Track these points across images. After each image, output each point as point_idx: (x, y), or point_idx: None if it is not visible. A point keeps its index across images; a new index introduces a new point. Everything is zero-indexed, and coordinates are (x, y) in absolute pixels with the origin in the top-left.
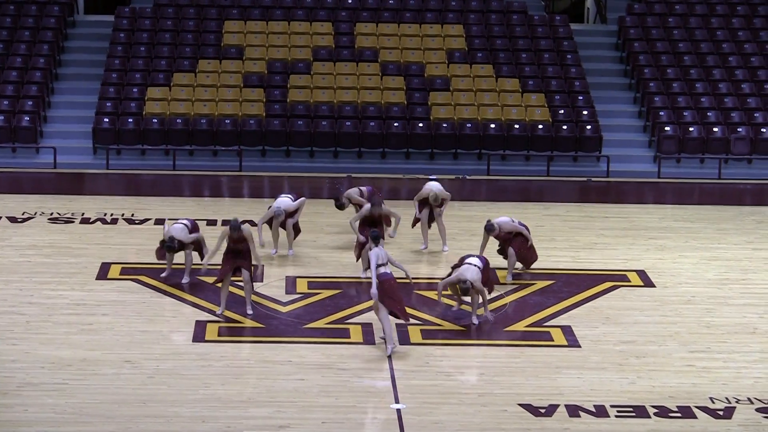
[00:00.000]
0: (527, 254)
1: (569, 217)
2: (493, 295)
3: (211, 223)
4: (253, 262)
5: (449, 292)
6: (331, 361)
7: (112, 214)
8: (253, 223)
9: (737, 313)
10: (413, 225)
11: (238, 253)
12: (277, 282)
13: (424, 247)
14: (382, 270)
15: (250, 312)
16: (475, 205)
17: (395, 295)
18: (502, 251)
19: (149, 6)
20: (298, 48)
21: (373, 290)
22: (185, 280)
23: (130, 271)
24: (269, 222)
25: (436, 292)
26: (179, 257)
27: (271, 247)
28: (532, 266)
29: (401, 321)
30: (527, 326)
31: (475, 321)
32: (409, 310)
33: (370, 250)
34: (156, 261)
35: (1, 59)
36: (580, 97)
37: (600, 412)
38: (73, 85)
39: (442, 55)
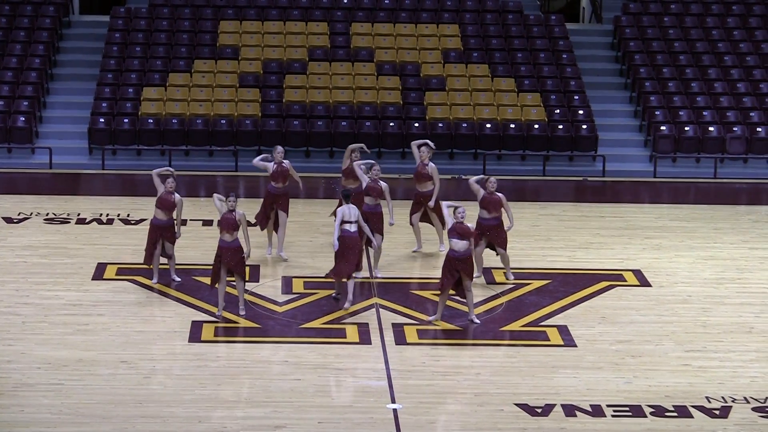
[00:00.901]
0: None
1: (565, 216)
2: (490, 294)
3: (207, 223)
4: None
5: (453, 292)
6: (327, 361)
7: (107, 215)
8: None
9: (733, 312)
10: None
11: (228, 251)
12: (273, 282)
13: (418, 248)
14: (346, 227)
15: (242, 312)
16: (472, 204)
17: (350, 253)
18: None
19: (144, 6)
20: (293, 48)
21: (334, 241)
22: (176, 279)
23: (125, 272)
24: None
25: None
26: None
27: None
28: (529, 266)
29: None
30: (523, 326)
31: (477, 321)
32: (405, 310)
33: (339, 206)
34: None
35: None
36: (576, 97)
37: (596, 411)
38: (69, 86)
39: (438, 55)
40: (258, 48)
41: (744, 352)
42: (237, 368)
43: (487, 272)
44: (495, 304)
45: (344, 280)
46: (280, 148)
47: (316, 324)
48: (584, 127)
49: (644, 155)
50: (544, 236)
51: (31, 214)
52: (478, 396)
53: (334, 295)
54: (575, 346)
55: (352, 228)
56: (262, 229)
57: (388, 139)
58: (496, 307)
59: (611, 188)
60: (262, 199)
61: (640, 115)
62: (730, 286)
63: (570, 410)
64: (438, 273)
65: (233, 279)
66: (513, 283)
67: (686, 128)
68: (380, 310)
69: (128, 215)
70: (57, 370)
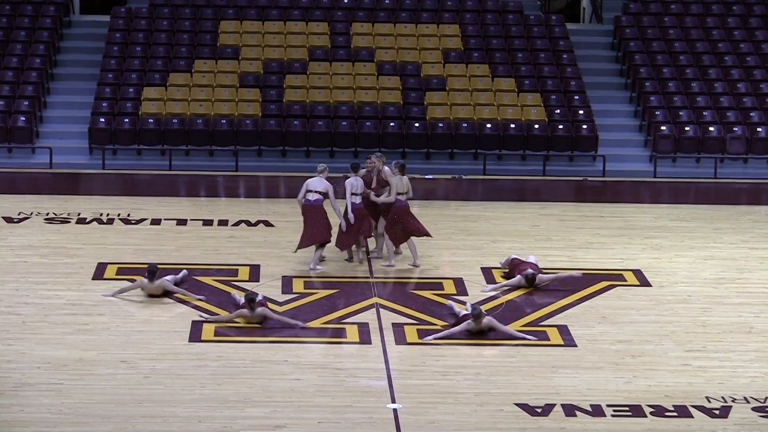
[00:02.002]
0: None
1: (565, 216)
2: (490, 294)
3: (207, 223)
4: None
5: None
6: (327, 361)
7: (108, 214)
8: (268, 224)
9: (733, 312)
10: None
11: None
12: (273, 281)
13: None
14: (353, 198)
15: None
16: (472, 204)
17: (362, 223)
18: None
19: (145, 6)
20: (294, 48)
21: (350, 216)
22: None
23: (126, 271)
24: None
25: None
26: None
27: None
28: None
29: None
30: (523, 326)
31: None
32: (405, 310)
33: (347, 179)
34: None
35: None
36: (576, 97)
37: (596, 411)
38: (69, 85)
39: (438, 55)
40: (258, 48)
41: (744, 352)
42: (237, 368)
43: (487, 272)
44: (495, 303)
45: (353, 248)
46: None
47: (316, 324)
48: (584, 127)
49: (644, 155)
50: (545, 236)
51: (32, 213)
52: (478, 396)
53: (346, 258)
54: (575, 345)
55: (357, 200)
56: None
57: (389, 139)
58: (497, 307)
59: (611, 188)
60: (262, 200)
61: (640, 115)
62: (730, 286)
63: (570, 410)
64: (439, 273)
65: (236, 279)
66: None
67: (686, 128)
68: (380, 309)
69: (128, 215)
70: (57, 370)
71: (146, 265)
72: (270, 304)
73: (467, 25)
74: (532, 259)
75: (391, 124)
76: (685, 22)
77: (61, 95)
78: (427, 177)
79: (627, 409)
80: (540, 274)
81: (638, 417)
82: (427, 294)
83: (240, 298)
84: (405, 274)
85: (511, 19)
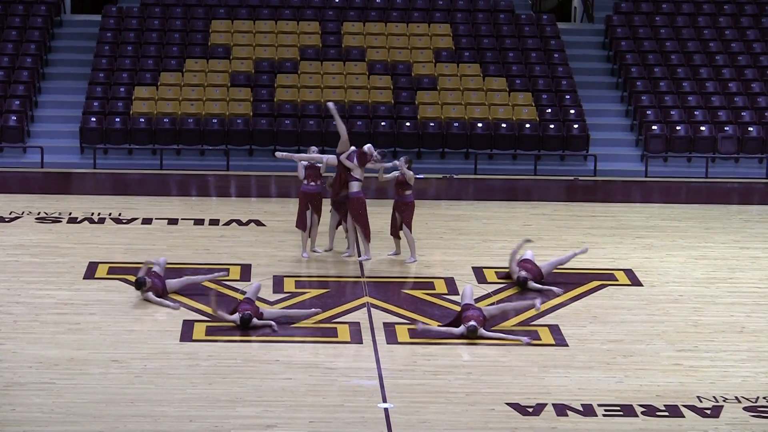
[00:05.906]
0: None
1: (556, 216)
2: (481, 293)
3: (199, 222)
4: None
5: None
6: (318, 361)
7: (99, 214)
8: (259, 223)
9: (725, 312)
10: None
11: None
12: (264, 281)
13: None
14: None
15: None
16: (463, 204)
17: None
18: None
19: (136, 5)
20: (285, 47)
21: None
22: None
23: (117, 271)
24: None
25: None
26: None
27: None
28: None
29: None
30: (514, 325)
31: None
32: (397, 309)
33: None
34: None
35: None
36: (567, 96)
37: (587, 411)
38: (60, 85)
39: (429, 55)
40: (249, 47)
41: (735, 352)
42: (228, 367)
43: (479, 272)
44: (487, 303)
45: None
46: (313, 148)
47: (307, 323)
48: (575, 126)
49: (635, 154)
50: (536, 236)
51: (23, 213)
52: (469, 395)
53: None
54: (566, 345)
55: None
56: (304, 230)
57: (380, 139)
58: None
59: (602, 188)
60: (253, 199)
61: (631, 114)
62: (721, 285)
63: (561, 410)
64: (430, 273)
65: (227, 279)
66: (504, 283)
67: (678, 127)
68: (372, 309)
69: (119, 214)
70: (48, 369)
71: (137, 265)
72: (261, 304)
73: (458, 25)
74: (528, 255)
75: (382, 123)
76: (676, 22)
77: (52, 95)
78: (418, 176)
79: (618, 408)
80: (531, 281)
81: (629, 417)
82: (418, 293)
83: (257, 283)
84: (396, 273)
85: (502, 19)
